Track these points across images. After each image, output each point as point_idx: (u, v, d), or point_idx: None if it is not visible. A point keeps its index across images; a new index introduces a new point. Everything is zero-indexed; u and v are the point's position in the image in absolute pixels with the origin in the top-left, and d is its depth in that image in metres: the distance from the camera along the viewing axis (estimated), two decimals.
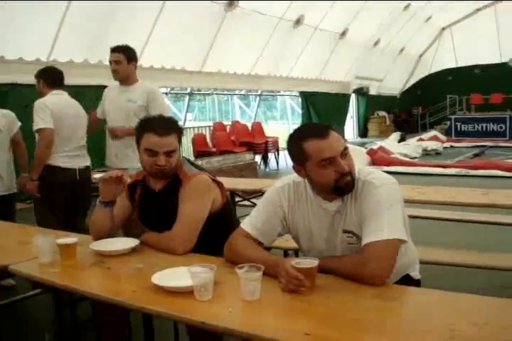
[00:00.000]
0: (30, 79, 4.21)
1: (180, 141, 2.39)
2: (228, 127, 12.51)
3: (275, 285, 1.72)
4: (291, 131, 1.99)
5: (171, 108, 13.08)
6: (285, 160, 11.67)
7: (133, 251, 2.23)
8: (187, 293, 1.70)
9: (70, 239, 2.15)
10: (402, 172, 9.26)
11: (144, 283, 1.81)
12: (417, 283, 2.11)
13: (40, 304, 3.35)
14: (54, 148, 3.91)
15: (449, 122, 17.55)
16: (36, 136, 3.89)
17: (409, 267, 2.11)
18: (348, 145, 1.92)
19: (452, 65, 21.00)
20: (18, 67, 7.12)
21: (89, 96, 7.62)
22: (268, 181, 4.50)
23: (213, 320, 1.54)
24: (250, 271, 1.66)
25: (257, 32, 11.64)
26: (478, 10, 19.38)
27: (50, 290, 2.17)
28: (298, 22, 12.72)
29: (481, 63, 19.73)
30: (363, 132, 19.45)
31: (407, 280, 2.03)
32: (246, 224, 2.06)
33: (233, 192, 4.33)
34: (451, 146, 14.97)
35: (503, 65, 19.25)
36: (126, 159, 3.86)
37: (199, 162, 7.75)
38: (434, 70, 21.65)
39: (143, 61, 8.25)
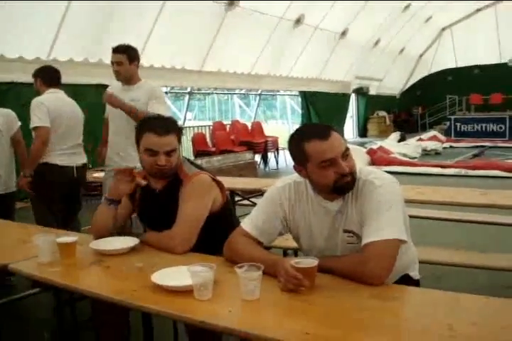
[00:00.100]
0: (30, 78, 4.21)
1: (179, 141, 2.40)
2: (228, 126, 12.52)
3: (275, 285, 1.72)
4: (293, 131, 1.99)
5: (171, 108, 13.11)
6: (285, 159, 11.67)
7: (133, 250, 2.23)
8: (187, 292, 1.70)
9: (69, 238, 2.16)
10: (402, 172, 9.25)
11: (143, 282, 1.81)
12: (416, 283, 2.11)
13: (40, 303, 3.36)
14: (51, 146, 3.94)
15: (448, 122, 17.56)
16: (33, 133, 3.92)
17: (408, 267, 2.11)
18: (348, 145, 1.92)
19: (452, 65, 21.03)
20: (18, 66, 7.11)
21: (89, 95, 7.63)
22: (268, 181, 4.50)
23: (213, 319, 1.54)
24: (250, 271, 1.66)
25: (257, 31, 11.64)
26: (479, 10, 19.38)
27: (49, 289, 2.16)
28: (298, 22, 12.73)
29: (480, 63, 19.74)
30: (363, 132, 19.46)
31: (406, 280, 2.03)
32: (246, 224, 2.06)
33: (233, 192, 4.33)
34: (451, 146, 14.98)
35: (503, 65, 19.25)
36: (129, 158, 3.84)
37: (199, 161, 7.75)
38: (434, 70, 21.67)
39: (143, 60, 8.17)
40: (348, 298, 1.65)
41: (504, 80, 18.15)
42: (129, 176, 2.36)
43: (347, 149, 1.87)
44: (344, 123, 17.68)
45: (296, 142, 1.91)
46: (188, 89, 12.30)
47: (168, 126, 2.35)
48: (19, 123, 4.11)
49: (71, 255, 2.14)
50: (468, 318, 1.48)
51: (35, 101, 3.92)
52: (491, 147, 14.20)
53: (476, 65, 19.96)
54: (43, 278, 2.00)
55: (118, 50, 3.91)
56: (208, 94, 17.54)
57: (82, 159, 4.18)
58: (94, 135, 7.17)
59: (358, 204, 1.90)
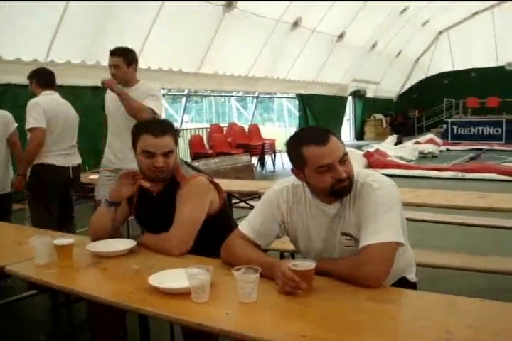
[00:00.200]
0: (27, 79, 4.23)
1: (176, 143, 2.40)
2: (225, 129, 12.52)
3: (272, 287, 1.73)
4: (291, 135, 1.99)
5: (163, 106, 13.09)
6: (282, 162, 11.68)
7: (130, 252, 2.23)
8: (184, 294, 1.70)
9: (66, 239, 2.16)
10: (398, 175, 9.25)
11: (140, 285, 1.81)
12: (413, 285, 2.11)
13: (36, 305, 3.35)
14: (48, 147, 3.97)
15: (445, 125, 17.62)
16: (28, 135, 3.93)
17: (405, 270, 2.11)
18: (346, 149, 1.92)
19: (449, 69, 21.07)
20: (15, 68, 7.10)
21: (86, 97, 7.63)
22: (265, 183, 4.51)
23: (210, 321, 1.54)
24: (247, 273, 1.66)
25: (254, 34, 11.65)
26: (476, 13, 19.44)
27: (46, 291, 2.16)
28: (295, 24, 12.74)
29: (477, 67, 19.77)
30: (360, 135, 19.48)
31: (403, 283, 2.04)
32: (243, 226, 2.06)
33: (230, 194, 4.33)
34: (448, 149, 15.02)
35: (500, 68, 19.30)
36: (127, 160, 3.83)
37: (196, 164, 7.75)
38: (430, 74, 21.69)
39: (140, 62, 8.20)
40: (345, 301, 1.65)
41: (501, 84, 18.18)
42: (131, 179, 2.36)
43: (345, 154, 1.87)
44: (341, 126, 17.70)
45: (294, 146, 1.91)
46: (186, 92, 12.30)
47: (164, 127, 2.35)
48: (15, 125, 4.14)
49: (68, 257, 2.13)
50: (465, 321, 1.48)
51: (31, 103, 3.96)
52: (487, 150, 14.25)
53: (473, 69, 19.99)
54: (40, 280, 2.00)
55: (115, 52, 3.87)
56: (205, 96, 17.56)
57: (77, 159, 4.23)
58: (91, 136, 7.20)
59: (355, 206, 1.90)
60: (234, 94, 15.87)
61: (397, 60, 19.73)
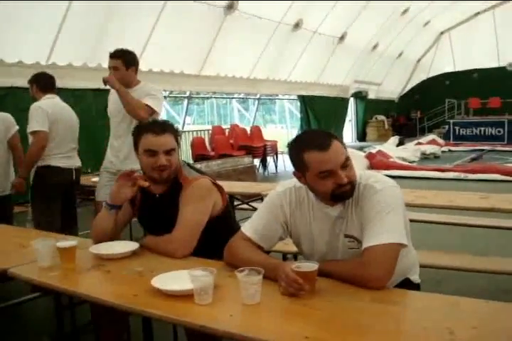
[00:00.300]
0: None
1: (177, 143, 2.40)
2: (227, 131, 12.52)
3: (275, 289, 1.72)
4: (293, 138, 1.97)
5: (169, 112, 13.13)
6: (284, 163, 11.68)
7: (133, 254, 2.23)
8: (187, 296, 1.69)
9: (69, 242, 2.15)
10: (401, 176, 9.25)
11: (143, 287, 1.81)
12: (416, 286, 2.11)
13: (40, 307, 3.35)
14: (51, 150, 4.00)
15: (447, 126, 17.61)
16: (30, 138, 3.95)
17: (409, 271, 2.11)
18: (349, 153, 1.90)
19: (450, 69, 21.08)
20: (18, 71, 7.12)
21: (87, 99, 7.64)
22: (267, 185, 4.51)
23: (213, 323, 1.54)
24: (250, 275, 1.66)
25: (255, 36, 11.67)
26: (477, 14, 19.43)
27: (49, 294, 2.16)
28: (297, 26, 12.75)
29: (479, 67, 19.77)
30: (362, 136, 19.49)
31: (406, 284, 2.03)
32: (246, 228, 2.06)
33: (232, 196, 4.33)
34: (450, 150, 15.01)
35: (502, 69, 19.31)
36: (128, 162, 3.82)
37: (198, 165, 7.75)
38: (432, 74, 21.70)
39: (142, 64, 8.21)
40: (348, 302, 1.65)
41: (503, 84, 18.20)
42: (130, 180, 2.35)
43: (347, 159, 1.85)
44: (343, 127, 17.71)
45: (296, 150, 1.90)
46: (187, 94, 12.31)
47: (164, 126, 2.37)
48: (17, 128, 4.15)
49: (71, 259, 2.13)
50: (469, 322, 1.48)
51: (34, 106, 3.98)
52: (489, 151, 14.24)
53: (475, 69, 20.00)
54: (43, 282, 1.99)
55: (114, 55, 3.85)
56: (207, 98, 17.54)
57: (78, 162, 4.29)
58: (93, 138, 7.21)
59: (358, 208, 1.90)
60: (235, 95, 15.87)
61: (398, 61, 19.74)
